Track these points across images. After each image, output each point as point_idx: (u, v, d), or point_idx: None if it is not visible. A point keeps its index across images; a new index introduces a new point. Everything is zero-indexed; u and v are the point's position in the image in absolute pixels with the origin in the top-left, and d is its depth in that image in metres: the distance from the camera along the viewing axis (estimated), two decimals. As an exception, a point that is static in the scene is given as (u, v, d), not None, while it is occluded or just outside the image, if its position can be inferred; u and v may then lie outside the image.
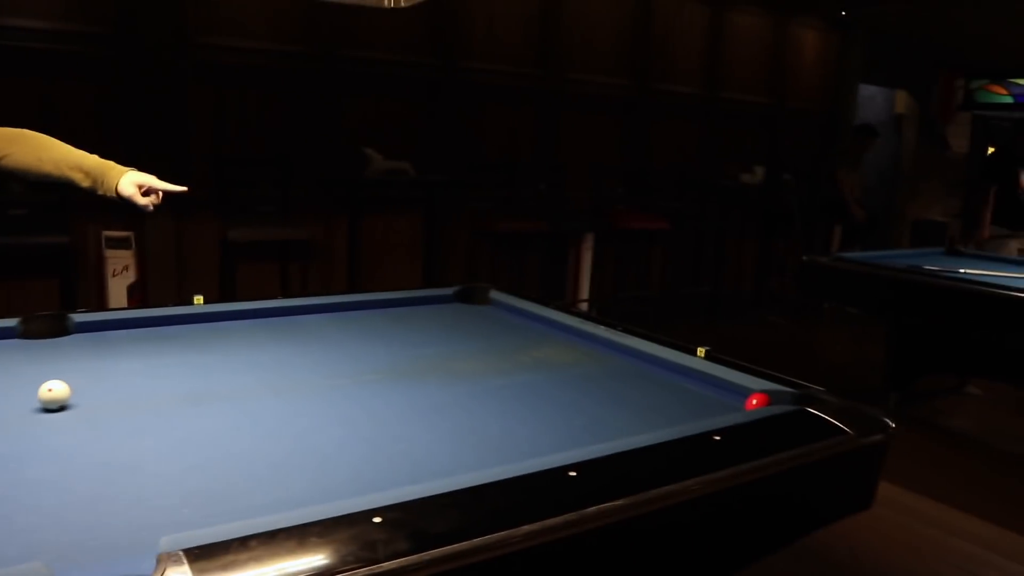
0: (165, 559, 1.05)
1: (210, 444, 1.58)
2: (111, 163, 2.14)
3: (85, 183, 2.12)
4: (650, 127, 6.80)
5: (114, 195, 2.08)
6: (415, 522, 1.19)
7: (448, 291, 2.98)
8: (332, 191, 5.21)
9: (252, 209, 4.90)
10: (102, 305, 4.26)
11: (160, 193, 2.11)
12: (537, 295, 2.98)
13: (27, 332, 2.24)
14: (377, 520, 1.17)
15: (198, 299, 2.53)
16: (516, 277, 5.96)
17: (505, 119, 6.00)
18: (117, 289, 4.27)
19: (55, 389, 1.70)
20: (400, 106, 5.48)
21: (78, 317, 2.33)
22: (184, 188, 2.14)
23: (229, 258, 4.80)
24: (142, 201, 2.09)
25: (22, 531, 1.22)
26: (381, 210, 5.36)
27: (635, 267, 6.82)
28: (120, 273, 4.27)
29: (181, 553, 1.07)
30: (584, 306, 6.04)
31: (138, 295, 4.36)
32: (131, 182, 2.09)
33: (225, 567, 1.05)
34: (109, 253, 4.26)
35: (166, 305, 2.52)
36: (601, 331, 2.44)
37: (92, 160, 2.13)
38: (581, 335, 2.48)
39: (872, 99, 9.28)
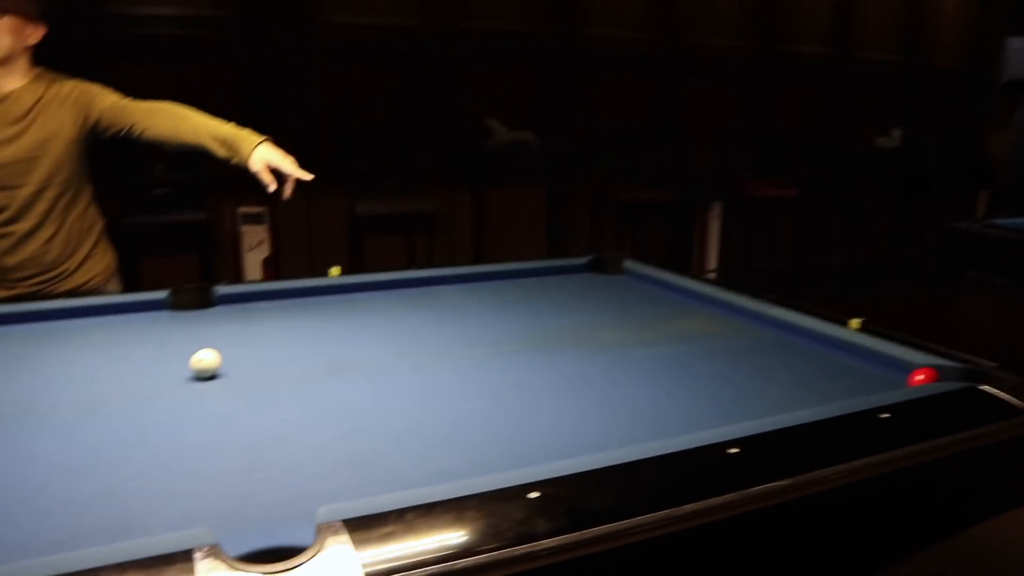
0: (325, 529, 1.04)
1: (355, 415, 1.57)
2: (247, 133, 2.18)
3: (221, 152, 2.18)
4: (776, 91, 6.53)
5: (246, 167, 2.14)
6: (572, 499, 1.15)
7: (580, 261, 2.91)
8: (455, 164, 5.21)
9: (377, 183, 4.96)
10: (239, 278, 4.40)
11: (286, 178, 2.15)
12: (663, 266, 2.89)
13: (175, 304, 2.30)
14: (533, 495, 1.13)
15: (334, 271, 2.56)
16: (641, 247, 5.85)
17: (627, 86, 5.86)
18: (252, 263, 4.40)
19: (207, 359, 1.73)
20: (521, 76, 5.42)
21: (222, 289, 2.38)
22: (311, 176, 2.16)
23: (356, 231, 4.88)
24: (265, 179, 2.12)
25: (183, 496, 1.24)
26: (504, 181, 5.33)
27: (764, 236, 6.60)
28: (255, 247, 4.40)
29: (340, 523, 1.05)
30: (712, 277, 5.88)
31: (272, 268, 4.48)
32: (261, 159, 2.13)
33: (384, 538, 1.04)
34: (244, 228, 4.39)
35: (303, 277, 2.54)
36: (743, 301, 2.33)
37: (227, 129, 2.18)
38: (722, 305, 2.38)
39: (1022, 53, 8.65)
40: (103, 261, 2.52)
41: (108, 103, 2.34)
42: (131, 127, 2.31)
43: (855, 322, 2.05)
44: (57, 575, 0.94)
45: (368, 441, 1.45)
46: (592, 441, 1.40)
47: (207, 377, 1.74)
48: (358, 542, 1.02)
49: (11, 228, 2.32)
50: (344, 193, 4.88)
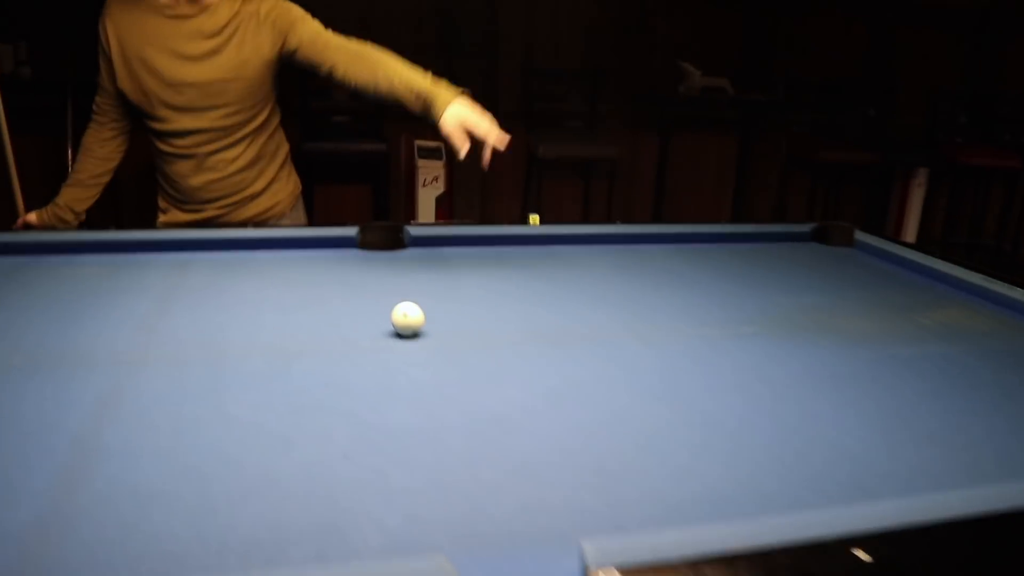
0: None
1: (586, 401, 1.32)
2: (442, 89, 1.92)
3: (416, 106, 1.94)
4: (1006, 45, 5.78)
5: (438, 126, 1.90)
6: (913, 565, 0.86)
7: (802, 228, 2.55)
8: (643, 108, 4.86)
9: (559, 124, 4.68)
10: (411, 215, 4.25)
11: (481, 141, 1.93)
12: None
13: (365, 243, 2.12)
14: (864, 557, 0.85)
15: (534, 218, 2.31)
16: (830, 212, 5.35)
17: (831, 33, 5.30)
18: (426, 199, 4.23)
19: (412, 315, 1.52)
20: (716, 17, 4.97)
21: (413, 230, 2.17)
22: (506, 138, 1.89)
23: (534, 173, 4.63)
24: (456, 142, 1.88)
25: (400, 492, 1.02)
26: (693, 130, 4.94)
27: (970, 209, 5.93)
28: (430, 184, 4.22)
29: (615, 572, 0.80)
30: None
31: (446, 207, 4.31)
32: (455, 118, 1.89)
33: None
34: (421, 163, 4.21)
35: (497, 223, 2.31)
36: (1019, 294, 1.93)
37: (423, 82, 1.93)
38: (985, 295, 1.99)
39: None
40: (288, 186, 2.37)
41: (309, 34, 2.12)
42: (331, 68, 2.09)
43: None
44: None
45: (609, 440, 1.19)
46: (886, 470, 1.10)
47: (408, 335, 1.53)
48: (644, 603, 0.77)
49: (198, 149, 2.19)
50: (523, 132, 4.63)
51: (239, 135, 2.19)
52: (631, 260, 2.18)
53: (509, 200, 4.74)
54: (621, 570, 0.80)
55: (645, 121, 4.87)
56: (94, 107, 2.22)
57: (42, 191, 2.64)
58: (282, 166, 2.35)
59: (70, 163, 3.75)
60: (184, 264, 1.94)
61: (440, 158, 4.26)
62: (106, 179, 2.23)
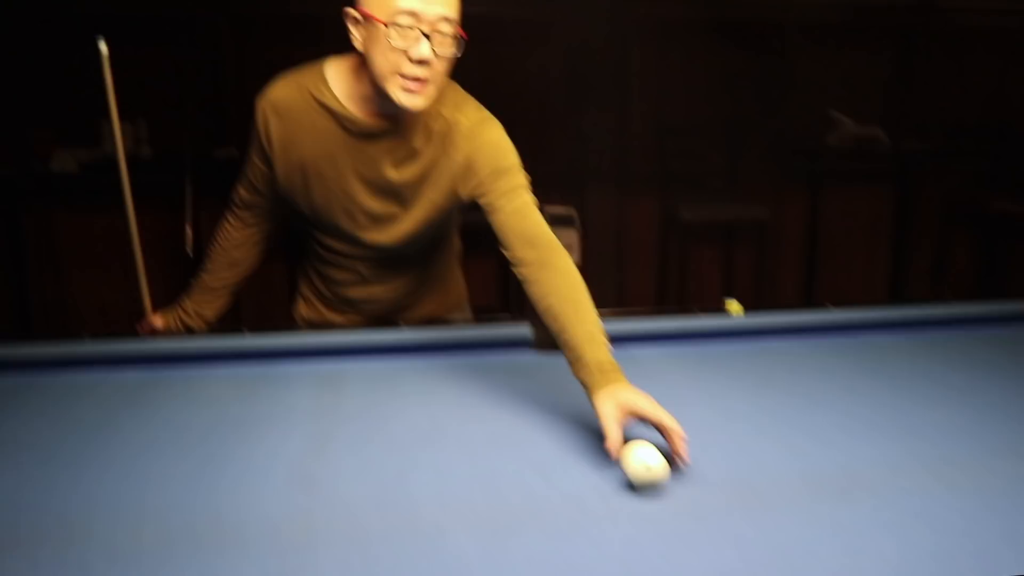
0: None
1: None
2: (601, 353, 1.37)
3: (566, 355, 1.42)
4: None
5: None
6: None
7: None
8: (789, 163, 4.43)
9: (697, 183, 4.30)
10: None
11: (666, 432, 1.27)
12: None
13: (541, 343, 1.76)
14: None
15: (734, 306, 1.92)
16: (1001, 270, 4.77)
17: (996, 71, 4.78)
18: (560, 271, 3.87)
19: (653, 464, 1.15)
20: (866, 59, 4.53)
21: (596, 326, 1.81)
22: (683, 436, 1.25)
23: (671, 238, 4.26)
24: (612, 434, 1.23)
25: None
26: (844, 185, 4.48)
27: None
28: (564, 254, 3.87)
29: None
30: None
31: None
32: (622, 404, 1.27)
33: None
34: (553, 232, 3.87)
35: (697, 313, 1.93)
36: None
37: (581, 334, 1.40)
38: None
39: None
40: (455, 291, 2.03)
41: (504, 208, 1.56)
42: (509, 252, 1.55)
43: None
44: None
45: None
46: None
47: (646, 488, 1.16)
48: None
49: (363, 266, 1.83)
50: (658, 193, 4.27)
51: (412, 256, 1.85)
52: (868, 358, 1.76)
53: (646, 269, 4.37)
54: None
55: (790, 177, 4.44)
56: (236, 200, 1.86)
57: (160, 272, 2.40)
58: (452, 270, 2.02)
59: (188, 243, 3.56)
60: (336, 378, 1.62)
61: (572, 225, 3.92)
62: (239, 286, 1.92)
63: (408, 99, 1.50)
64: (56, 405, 1.51)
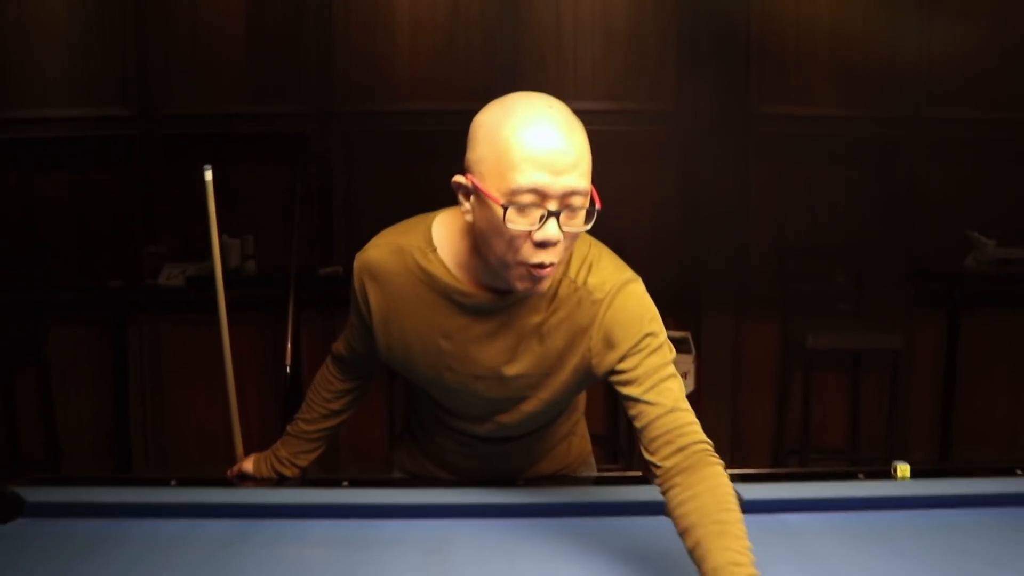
0: None
1: None
2: None
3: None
4: None
5: None
6: None
7: None
8: (919, 287, 4.11)
9: (820, 309, 4.02)
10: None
11: None
12: None
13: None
14: None
15: (903, 469, 1.64)
16: None
17: None
18: (674, 399, 3.62)
19: None
20: (1008, 175, 4.21)
21: (744, 489, 1.56)
22: None
23: (791, 364, 3.96)
24: None
25: None
26: (982, 312, 4.12)
27: None
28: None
29: None
30: None
31: (695, 407, 3.68)
32: None
33: None
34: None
35: (860, 477, 1.66)
36: None
37: (724, 565, 1.15)
38: None
39: None
40: (577, 448, 1.78)
41: (638, 381, 1.34)
42: (651, 455, 1.31)
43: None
44: None
45: None
46: None
47: None
48: None
49: (471, 439, 1.61)
50: (779, 319, 4.00)
51: (528, 423, 1.58)
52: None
53: (764, 398, 4.06)
54: None
55: (925, 301, 4.10)
56: (335, 353, 1.70)
57: (256, 387, 2.27)
58: (576, 428, 1.77)
59: (288, 360, 3.47)
60: (443, 543, 1.41)
61: (689, 352, 3.67)
62: (332, 433, 1.73)
63: (529, 288, 1.28)
64: (137, 558, 1.36)
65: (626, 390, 1.35)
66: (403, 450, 1.77)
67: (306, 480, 1.71)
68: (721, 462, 1.28)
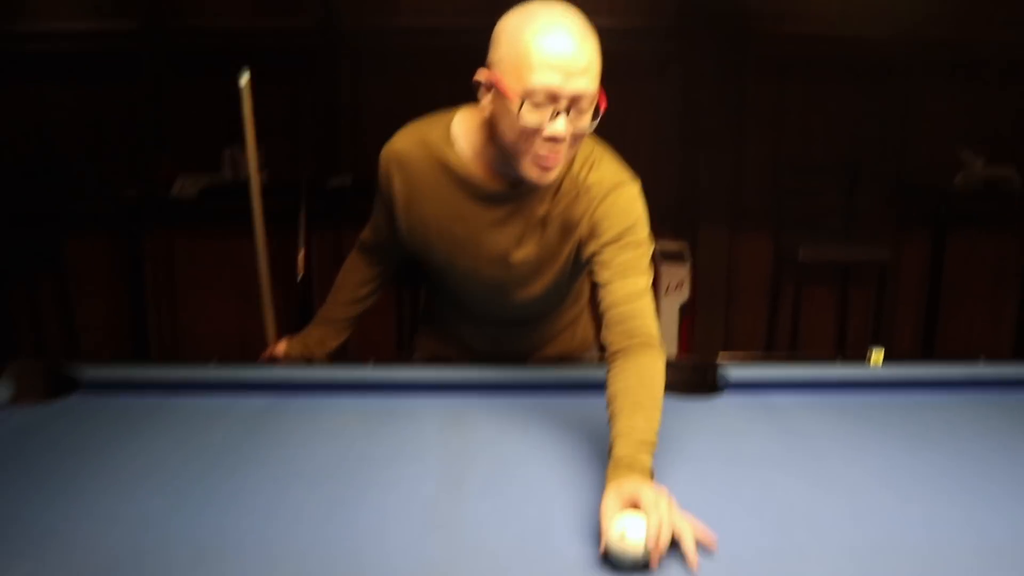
0: None
1: None
2: (628, 464, 1.20)
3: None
4: None
5: None
6: None
7: None
8: (908, 204, 4.24)
9: (812, 223, 4.15)
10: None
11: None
12: None
13: (672, 386, 1.67)
14: None
15: (877, 355, 1.80)
16: None
17: None
18: (669, 308, 3.79)
19: (629, 537, 1.04)
20: (991, 94, 4.28)
21: (733, 370, 1.72)
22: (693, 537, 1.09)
23: (782, 276, 4.11)
24: (602, 521, 1.10)
25: None
26: (968, 229, 4.25)
27: None
28: (673, 291, 3.78)
29: None
30: None
31: (689, 316, 3.85)
32: (616, 498, 1.12)
33: None
34: (664, 268, 3.79)
35: (839, 361, 1.82)
36: None
37: (620, 449, 1.23)
38: None
39: None
40: (582, 335, 1.95)
41: (613, 265, 1.48)
42: (605, 331, 1.45)
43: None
44: None
45: None
46: None
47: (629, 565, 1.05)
48: None
49: (481, 313, 1.79)
50: (771, 233, 4.13)
51: (539, 312, 1.80)
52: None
53: (756, 308, 4.22)
54: None
55: (911, 219, 4.23)
56: (361, 241, 1.85)
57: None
58: (581, 316, 1.94)
59: (300, 269, 3.60)
60: (462, 415, 1.57)
61: (685, 261, 3.82)
62: (359, 317, 1.89)
63: (538, 176, 1.42)
64: (183, 429, 1.51)
65: (597, 276, 1.50)
66: (423, 335, 1.94)
67: (333, 361, 1.87)
68: (663, 353, 1.42)
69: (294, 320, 3.27)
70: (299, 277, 3.56)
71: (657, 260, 3.71)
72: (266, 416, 1.58)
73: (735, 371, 1.72)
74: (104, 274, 4.22)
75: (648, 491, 1.11)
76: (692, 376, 1.72)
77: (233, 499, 1.23)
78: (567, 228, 1.55)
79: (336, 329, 1.86)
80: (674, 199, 4.06)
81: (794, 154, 4.21)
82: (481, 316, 1.78)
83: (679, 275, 3.80)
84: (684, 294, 3.82)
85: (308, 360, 1.85)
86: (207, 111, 4.01)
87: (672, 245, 3.86)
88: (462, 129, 1.56)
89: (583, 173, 1.53)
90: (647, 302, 1.46)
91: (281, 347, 1.89)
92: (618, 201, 1.51)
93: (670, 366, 1.66)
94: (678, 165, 4.16)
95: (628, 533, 1.04)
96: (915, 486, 1.30)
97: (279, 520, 1.17)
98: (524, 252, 1.58)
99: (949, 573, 1.05)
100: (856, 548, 1.11)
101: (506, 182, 1.53)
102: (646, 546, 1.03)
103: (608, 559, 1.05)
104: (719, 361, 1.76)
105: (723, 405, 1.65)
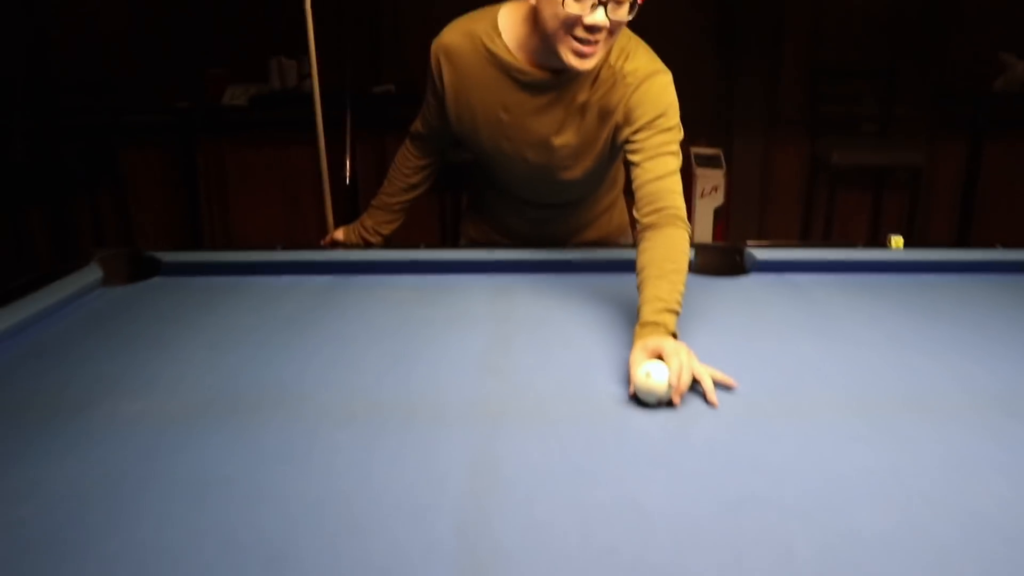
0: None
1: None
2: (653, 324, 1.34)
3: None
4: None
5: None
6: None
7: None
8: (947, 108, 4.25)
9: (850, 128, 4.19)
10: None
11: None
12: None
13: (701, 267, 1.82)
14: None
15: (896, 241, 1.92)
16: None
17: None
18: (704, 211, 3.90)
19: (654, 375, 1.19)
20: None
21: (757, 253, 1.85)
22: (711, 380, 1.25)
23: (819, 183, 4.18)
24: (633, 369, 1.24)
25: None
26: (1009, 134, 4.27)
27: None
28: (708, 194, 3.88)
29: None
30: None
31: (723, 219, 3.95)
32: (642, 351, 1.27)
33: None
34: (699, 171, 3.88)
35: (832, 243, 1.94)
36: None
37: (646, 316, 1.37)
38: None
39: None
40: (617, 220, 2.08)
41: (644, 149, 1.61)
42: (637, 210, 1.60)
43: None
44: None
45: None
46: None
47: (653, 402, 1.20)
48: None
49: (525, 197, 1.93)
50: (808, 137, 4.18)
51: (577, 198, 1.94)
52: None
53: (790, 212, 4.31)
54: None
55: (951, 124, 4.25)
56: (413, 132, 1.98)
57: (319, 200, 2.59)
58: (616, 202, 2.07)
59: (348, 173, 3.75)
60: (508, 289, 1.72)
61: (720, 166, 3.91)
62: (410, 205, 2.05)
63: (577, 62, 1.53)
64: (261, 302, 1.68)
65: (631, 157, 1.63)
66: (469, 223, 2.08)
67: (387, 245, 2.03)
68: (688, 228, 1.55)
69: (343, 221, 3.44)
70: (347, 180, 3.71)
71: (692, 164, 3.82)
72: (330, 291, 1.74)
73: (761, 253, 1.84)
74: (158, 182, 4.40)
75: (670, 342, 1.27)
76: (721, 258, 1.85)
77: (307, 353, 1.40)
78: (604, 114, 1.67)
79: (389, 216, 2.02)
80: (710, 105, 4.12)
81: (831, 59, 4.23)
82: (525, 201, 1.91)
83: (714, 179, 3.89)
84: (719, 198, 3.92)
85: (365, 245, 2.02)
86: (253, 23, 4.12)
87: (707, 150, 3.94)
88: (507, 22, 1.67)
89: (619, 63, 1.64)
90: (675, 181, 1.59)
91: (339, 234, 2.05)
92: (652, 89, 1.63)
93: (702, 249, 1.81)
94: (715, 70, 4.20)
95: (653, 374, 1.19)
96: (919, 345, 1.44)
97: (347, 368, 1.34)
98: (565, 137, 1.71)
99: (941, 415, 1.19)
100: (858, 394, 1.25)
101: (548, 71, 1.65)
102: (668, 383, 1.18)
103: (636, 398, 1.21)
104: (747, 245, 1.89)
105: (749, 283, 1.79)
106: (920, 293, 1.73)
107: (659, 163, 1.59)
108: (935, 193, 4.34)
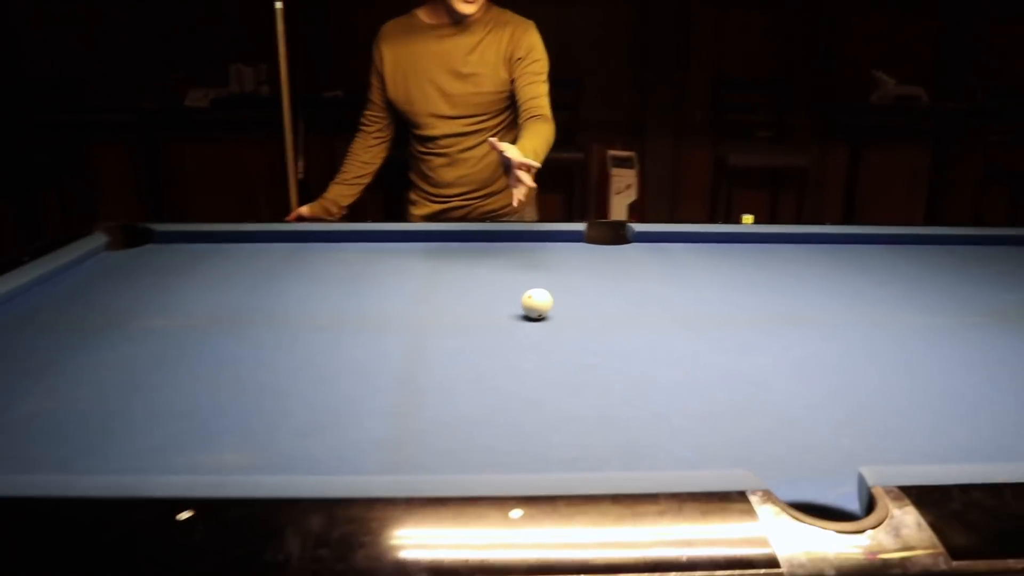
0: (883, 494, 0.93)
1: (834, 369, 1.44)
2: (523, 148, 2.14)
3: None
4: None
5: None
6: None
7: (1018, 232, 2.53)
8: (833, 117, 4.85)
9: (748, 134, 4.75)
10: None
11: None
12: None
13: (592, 237, 2.30)
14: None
15: (747, 218, 2.43)
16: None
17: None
18: (618, 205, 4.41)
19: (534, 296, 1.67)
20: (910, 25, 4.88)
21: (637, 227, 2.34)
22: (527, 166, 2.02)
23: (721, 182, 4.72)
24: (502, 150, 2.03)
25: (684, 432, 1.19)
26: (884, 141, 4.88)
27: None
28: (623, 191, 4.39)
29: (897, 490, 0.93)
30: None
31: (636, 214, 4.46)
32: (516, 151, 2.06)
33: (954, 516, 0.90)
34: (614, 172, 4.39)
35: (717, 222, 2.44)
36: None
37: (523, 142, 2.24)
38: None
39: None
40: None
41: (525, 75, 2.40)
42: (519, 113, 2.40)
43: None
44: (617, 493, 0.91)
45: (859, 401, 1.31)
46: None
47: (535, 317, 1.68)
48: (928, 516, 0.89)
49: (452, 148, 2.50)
50: (712, 142, 4.73)
51: (486, 135, 2.46)
52: (851, 258, 2.25)
53: (697, 208, 4.84)
54: (903, 490, 0.93)
55: (835, 132, 4.86)
56: (362, 120, 2.56)
57: (272, 194, 3.03)
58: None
59: (301, 171, 4.16)
60: (436, 253, 2.18)
61: (632, 166, 4.42)
62: (367, 180, 2.57)
63: (463, 7, 2.32)
64: (241, 259, 2.12)
65: (517, 80, 2.41)
66: (412, 206, 2.58)
67: (344, 219, 2.49)
68: (551, 122, 2.35)
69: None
70: (302, 175, 4.13)
71: (609, 164, 4.32)
72: (295, 254, 2.18)
73: (639, 227, 2.34)
74: (124, 177, 4.76)
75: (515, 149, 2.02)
76: (608, 231, 2.33)
77: (283, 289, 1.85)
78: (497, 47, 2.42)
79: (348, 190, 2.52)
80: (626, 111, 4.64)
81: (732, 73, 4.78)
82: (448, 138, 2.50)
83: (628, 178, 4.40)
84: (632, 195, 4.43)
85: (326, 217, 2.47)
86: (214, 31, 4.52)
87: (623, 152, 4.45)
88: (421, 7, 2.46)
89: (495, 13, 2.44)
90: (546, 99, 2.39)
91: (304, 210, 2.50)
92: (528, 31, 2.43)
93: (593, 224, 2.29)
94: (630, 81, 4.72)
95: (533, 297, 1.67)
96: (743, 287, 1.94)
97: (315, 298, 1.80)
98: (471, 67, 2.40)
99: (738, 326, 1.68)
100: (691, 314, 1.74)
101: (451, 21, 2.39)
102: (545, 303, 1.66)
103: (524, 314, 1.69)
104: (627, 221, 2.38)
105: (629, 250, 2.27)
106: (757, 257, 2.24)
107: (534, 87, 2.38)
108: (825, 192, 4.93)
